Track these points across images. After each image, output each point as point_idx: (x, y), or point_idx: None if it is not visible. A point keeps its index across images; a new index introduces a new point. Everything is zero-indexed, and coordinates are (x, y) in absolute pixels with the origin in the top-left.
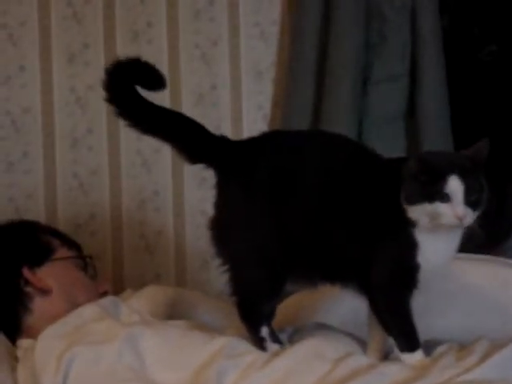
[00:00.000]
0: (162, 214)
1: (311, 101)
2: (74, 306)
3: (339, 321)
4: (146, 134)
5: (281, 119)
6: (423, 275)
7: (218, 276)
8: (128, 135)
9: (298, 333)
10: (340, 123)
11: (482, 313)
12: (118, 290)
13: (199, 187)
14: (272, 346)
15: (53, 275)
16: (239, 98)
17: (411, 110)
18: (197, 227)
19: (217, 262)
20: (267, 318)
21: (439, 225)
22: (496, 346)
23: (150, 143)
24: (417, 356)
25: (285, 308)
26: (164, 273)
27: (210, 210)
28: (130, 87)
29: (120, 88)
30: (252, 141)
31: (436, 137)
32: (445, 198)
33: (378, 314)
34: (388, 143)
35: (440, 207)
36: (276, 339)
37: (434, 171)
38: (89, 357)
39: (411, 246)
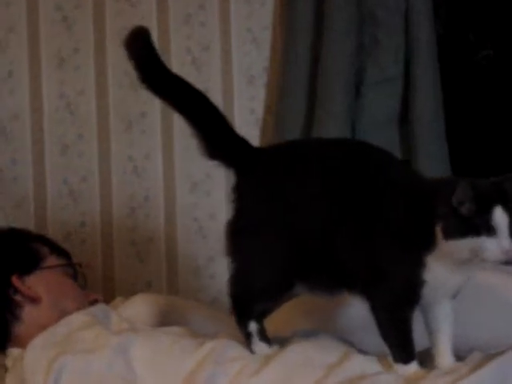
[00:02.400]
0: (153, 220)
1: (303, 105)
2: (63, 314)
3: (335, 328)
4: (175, 111)
5: (273, 124)
6: (429, 291)
7: (210, 283)
8: (118, 141)
9: (288, 340)
10: (332, 127)
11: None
12: (109, 297)
13: (191, 193)
14: (259, 345)
15: (42, 283)
16: (231, 102)
17: (405, 114)
18: (188, 233)
19: (226, 258)
20: (258, 315)
21: (482, 261)
22: (488, 358)
23: (140, 149)
24: (410, 368)
25: (279, 314)
26: (155, 280)
27: (201, 216)
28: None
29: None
30: (273, 149)
31: (430, 140)
32: (491, 231)
33: (377, 322)
34: (382, 147)
35: (486, 242)
36: (264, 337)
37: (479, 200)
38: (78, 366)
39: (418, 266)
